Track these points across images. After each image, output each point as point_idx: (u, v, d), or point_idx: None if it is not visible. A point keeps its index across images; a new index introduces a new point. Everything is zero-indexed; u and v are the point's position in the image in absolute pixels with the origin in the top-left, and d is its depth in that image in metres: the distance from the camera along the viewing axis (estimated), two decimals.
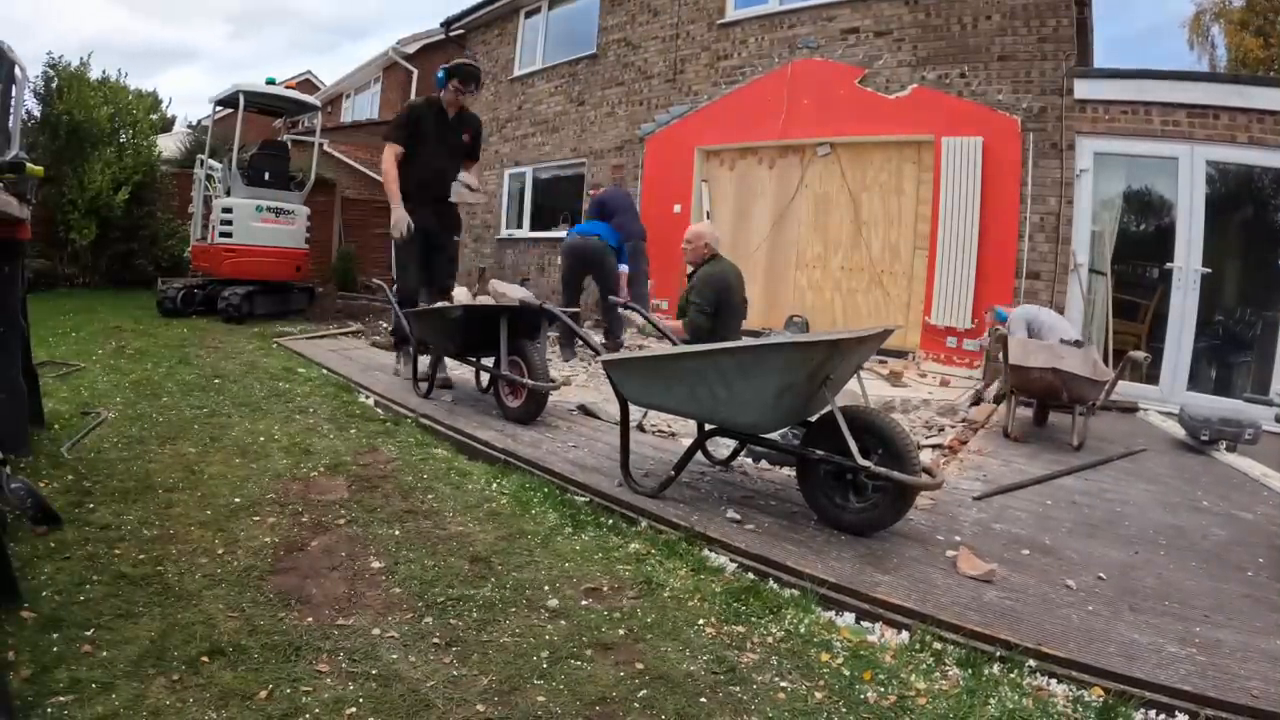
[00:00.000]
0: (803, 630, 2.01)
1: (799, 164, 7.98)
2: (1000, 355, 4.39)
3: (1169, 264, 5.98)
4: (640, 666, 1.79)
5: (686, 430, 4.25)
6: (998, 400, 4.71)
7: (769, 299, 8.23)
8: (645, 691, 1.69)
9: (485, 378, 4.45)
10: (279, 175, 8.57)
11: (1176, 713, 1.72)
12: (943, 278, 6.71)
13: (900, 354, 7.08)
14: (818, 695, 1.72)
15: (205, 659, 1.69)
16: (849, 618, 2.14)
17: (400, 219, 4.64)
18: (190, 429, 3.57)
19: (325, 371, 5.19)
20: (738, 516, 2.70)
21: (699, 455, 3.11)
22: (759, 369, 2.51)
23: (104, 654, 1.67)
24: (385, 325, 8.39)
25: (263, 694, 1.58)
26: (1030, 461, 3.84)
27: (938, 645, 1.96)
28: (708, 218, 8.49)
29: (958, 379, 6.29)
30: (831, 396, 2.57)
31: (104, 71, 9.85)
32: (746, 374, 2.54)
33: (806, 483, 2.78)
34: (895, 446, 2.51)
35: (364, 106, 17.94)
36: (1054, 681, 1.83)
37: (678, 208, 8.52)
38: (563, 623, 1.98)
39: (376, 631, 1.87)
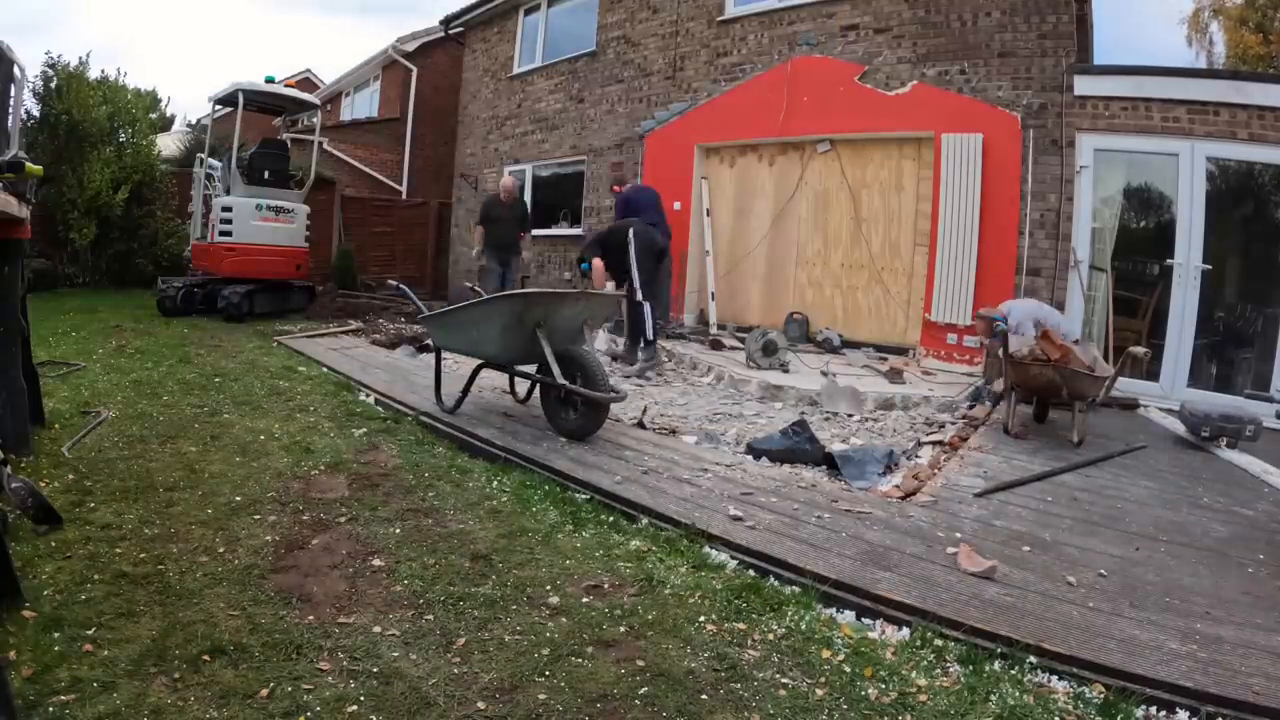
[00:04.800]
0: (804, 627, 2.01)
1: (799, 161, 7.97)
2: (1000, 352, 4.39)
3: (1169, 260, 5.97)
4: (641, 664, 1.79)
5: (685, 427, 4.26)
6: (997, 400, 4.71)
7: (769, 296, 8.23)
8: (646, 689, 1.69)
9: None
10: (279, 174, 8.56)
11: (1177, 709, 1.72)
12: (943, 274, 6.70)
13: (901, 351, 7.09)
14: (819, 692, 1.72)
15: (206, 658, 1.69)
16: (850, 615, 2.14)
17: None
18: (191, 428, 3.57)
19: (325, 370, 5.19)
20: (738, 514, 2.70)
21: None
22: (486, 317, 3.67)
23: (105, 653, 1.67)
24: (385, 323, 8.39)
25: (264, 692, 1.58)
26: (1031, 458, 3.84)
27: (939, 642, 1.96)
28: (708, 215, 8.49)
29: (957, 375, 6.28)
30: (543, 337, 3.57)
31: (102, 71, 9.85)
32: (482, 321, 3.69)
33: (545, 402, 3.84)
34: (590, 373, 3.57)
35: (363, 105, 17.92)
36: (1055, 678, 1.83)
37: (678, 205, 8.51)
38: (564, 620, 1.98)
39: (377, 629, 1.87)
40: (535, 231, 11.08)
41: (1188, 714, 1.71)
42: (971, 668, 1.85)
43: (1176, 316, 5.93)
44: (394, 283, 4.86)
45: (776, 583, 2.28)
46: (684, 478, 3.13)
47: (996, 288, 6.49)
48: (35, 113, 8.85)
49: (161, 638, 1.75)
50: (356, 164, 14.60)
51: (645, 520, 2.70)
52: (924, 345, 6.96)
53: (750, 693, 1.70)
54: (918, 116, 6.94)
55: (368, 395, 4.54)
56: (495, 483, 3.08)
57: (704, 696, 1.68)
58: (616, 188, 8.05)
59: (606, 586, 2.20)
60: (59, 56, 9.21)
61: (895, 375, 5.88)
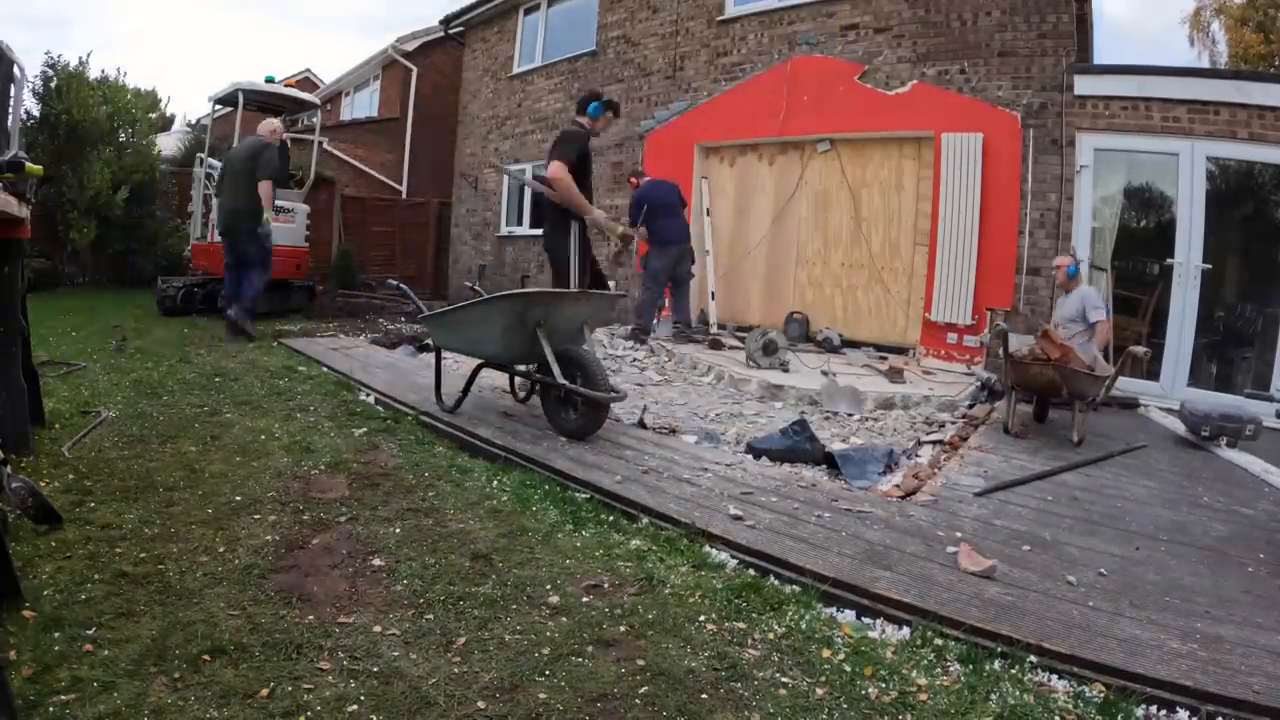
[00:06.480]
0: (804, 626, 2.01)
1: (799, 160, 7.97)
2: (1001, 351, 4.39)
3: (1170, 260, 5.98)
4: (641, 663, 1.79)
5: (685, 427, 4.26)
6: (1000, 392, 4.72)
7: (769, 295, 8.23)
8: (647, 688, 1.69)
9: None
10: (279, 174, 8.55)
11: (1178, 709, 1.72)
12: (943, 274, 6.70)
13: (901, 350, 7.08)
14: (819, 691, 1.72)
15: (206, 657, 1.68)
16: (850, 614, 2.14)
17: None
18: (191, 427, 3.57)
19: (325, 369, 5.19)
20: (739, 513, 2.70)
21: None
22: (486, 317, 3.65)
23: (105, 653, 1.67)
24: (385, 323, 8.39)
25: (264, 692, 1.58)
26: (1031, 457, 3.84)
27: (939, 641, 1.96)
28: (707, 214, 8.48)
29: (957, 374, 6.28)
30: (543, 337, 3.55)
31: (102, 71, 9.85)
32: (482, 320, 3.67)
33: (545, 402, 3.86)
34: (590, 373, 3.57)
35: (363, 104, 17.91)
36: (1055, 677, 1.83)
37: None
38: (564, 620, 1.98)
39: (378, 629, 1.87)
40: (534, 231, 11.08)
41: (1188, 713, 1.71)
42: (972, 667, 1.85)
43: (1176, 316, 5.93)
44: (394, 282, 4.85)
45: (776, 582, 2.28)
46: (684, 477, 3.13)
47: (996, 287, 6.49)
48: (35, 113, 8.85)
49: (162, 637, 1.75)
50: (356, 164, 14.59)
51: (645, 519, 2.70)
52: (924, 345, 6.96)
53: (750, 692, 1.70)
54: (918, 116, 6.93)
55: (368, 395, 4.54)
56: (495, 482, 3.08)
57: (704, 696, 1.68)
58: (634, 180, 7.81)
59: (607, 586, 2.20)
60: (59, 56, 9.22)
61: (895, 375, 5.87)
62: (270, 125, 7.14)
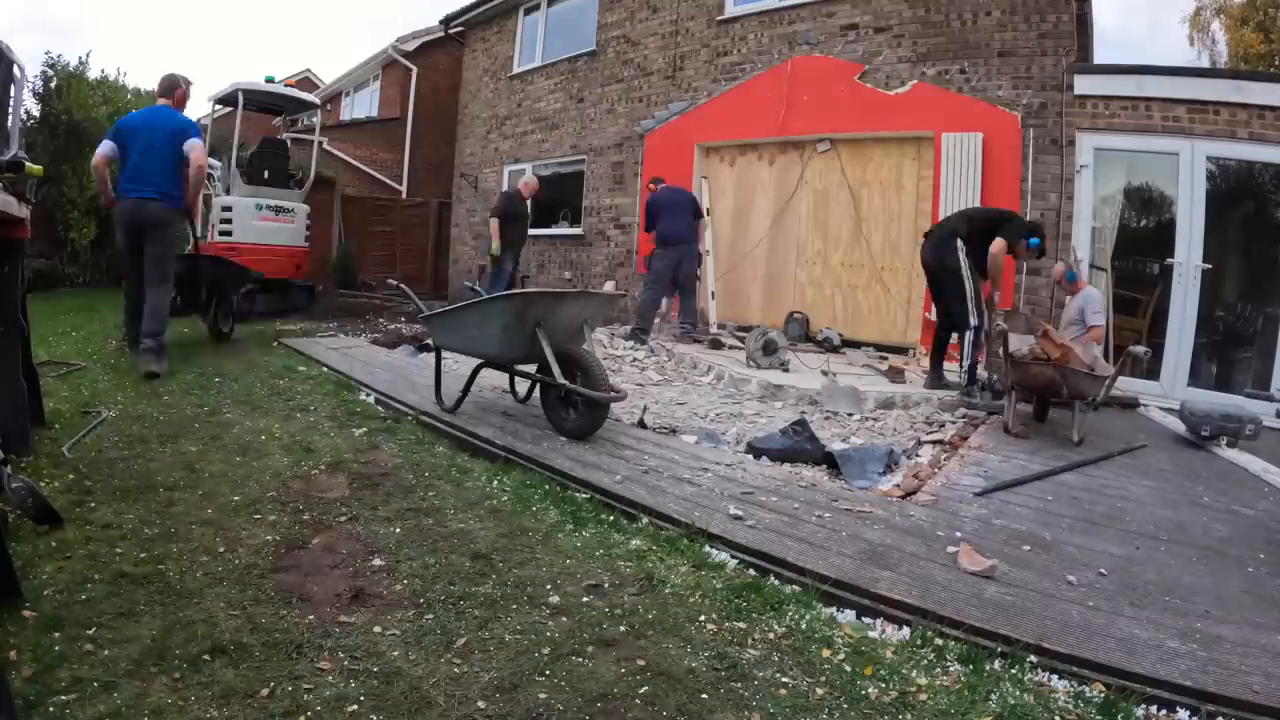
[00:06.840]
0: (804, 626, 2.01)
1: (799, 160, 7.97)
2: (1001, 350, 4.39)
3: (1169, 259, 5.98)
4: (642, 663, 1.79)
5: (685, 427, 4.26)
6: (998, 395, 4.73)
7: (769, 295, 8.23)
8: (647, 688, 1.69)
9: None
10: (279, 173, 8.56)
11: (1178, 708, 1.72)
12: None
13: (901, 350, 7.08)
14: (819, 691, 1.72)
15: (207, 657, 1.68)
16: (850, 614, 2.14)
17: None
18: (191, 427, 3.57)
19: (325, 369, 5.19)
20: (739, 513, 2.70)
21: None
22: (486, 317, 3.67)
23: (105, 653, 1.67)
24: (385, 323, 8.39)
25: (264, 692, 1.58)
26: (1031, 457, 3.84)
27: (939, 641, 1.96)
28: (707, 214, 8.48)
29: (958, 374, 6.27)
30: (543, 337, 3.56)
31: (102, 71, 9.86)
32: (483, 320, 3.69)
33: (545, 401, 3.86)
34: (590, 373, 3.59)
35: (363, 104, 17.90)
36: (1055, 677, 1.83)
37: None
38: (564, 619, 1.98)
39: (378, 629, 1.87)
40: (534, 231, 11.12)
41: (1188, 713, 1.71)
42: (972, 667, 1.85)
43: (1176, 315, 5.93)
44: (394, 282, 4.84)
45: (777, 582, 2.28)
46: (684, 477, 3.13)
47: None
48: (35, 113, 8.85)
49: (162, 637, 1.75)
50: (356, 164, 14.59)
51: (645, 519, 2.70)
52: (924, 344, 6.95)
53: (751, 692, 1.70)
54: (918, 116, 6.94)
55: (368, 395, 4.54)
56: (495, 482, 3.08)
57: (704, 696, 1.68)
58: (651, 186, 7.80)
59: (607, 586, 2.20)
60: (59, 56, 9.24)
61: (895, 374, 5.87)
62: (523, 181, 8.74)
